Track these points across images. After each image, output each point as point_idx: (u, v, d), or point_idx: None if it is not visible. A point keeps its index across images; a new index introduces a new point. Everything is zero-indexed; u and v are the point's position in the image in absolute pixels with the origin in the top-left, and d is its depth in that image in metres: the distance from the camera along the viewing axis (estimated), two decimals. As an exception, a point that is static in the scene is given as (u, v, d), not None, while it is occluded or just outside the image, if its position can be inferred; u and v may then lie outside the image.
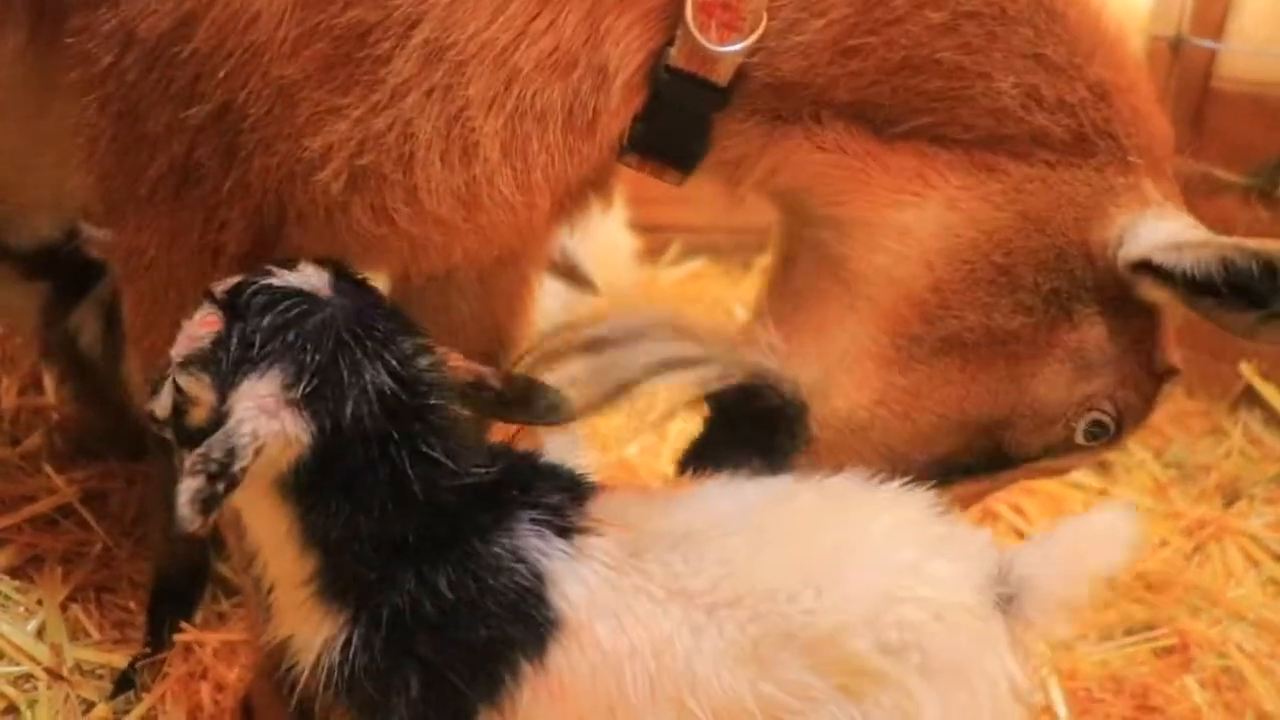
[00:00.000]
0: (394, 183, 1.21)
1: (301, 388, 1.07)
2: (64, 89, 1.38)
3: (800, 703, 1.12)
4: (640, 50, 1.21)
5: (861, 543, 1.18)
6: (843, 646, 1.11)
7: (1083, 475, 2.54)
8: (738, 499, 1.23)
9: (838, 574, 1.14)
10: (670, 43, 1.20)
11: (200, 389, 1.10)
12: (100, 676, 1.77)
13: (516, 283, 1.60)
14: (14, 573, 1.89)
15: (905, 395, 1.32)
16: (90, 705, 1.70)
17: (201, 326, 1.11)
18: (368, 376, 1.09)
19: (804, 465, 1.34)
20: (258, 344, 1.08)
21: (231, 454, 1.03)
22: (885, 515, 1.19)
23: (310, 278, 1.13)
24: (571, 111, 1.20)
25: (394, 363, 1.11)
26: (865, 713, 1.11)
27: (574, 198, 1.38)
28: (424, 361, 1.14)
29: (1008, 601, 1.15)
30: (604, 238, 2.32)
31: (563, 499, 1.20)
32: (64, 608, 1.84)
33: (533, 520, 1.16)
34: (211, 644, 1.75)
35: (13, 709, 1.69)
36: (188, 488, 1.03)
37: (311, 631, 1.15)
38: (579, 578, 1.16)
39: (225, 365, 1.08)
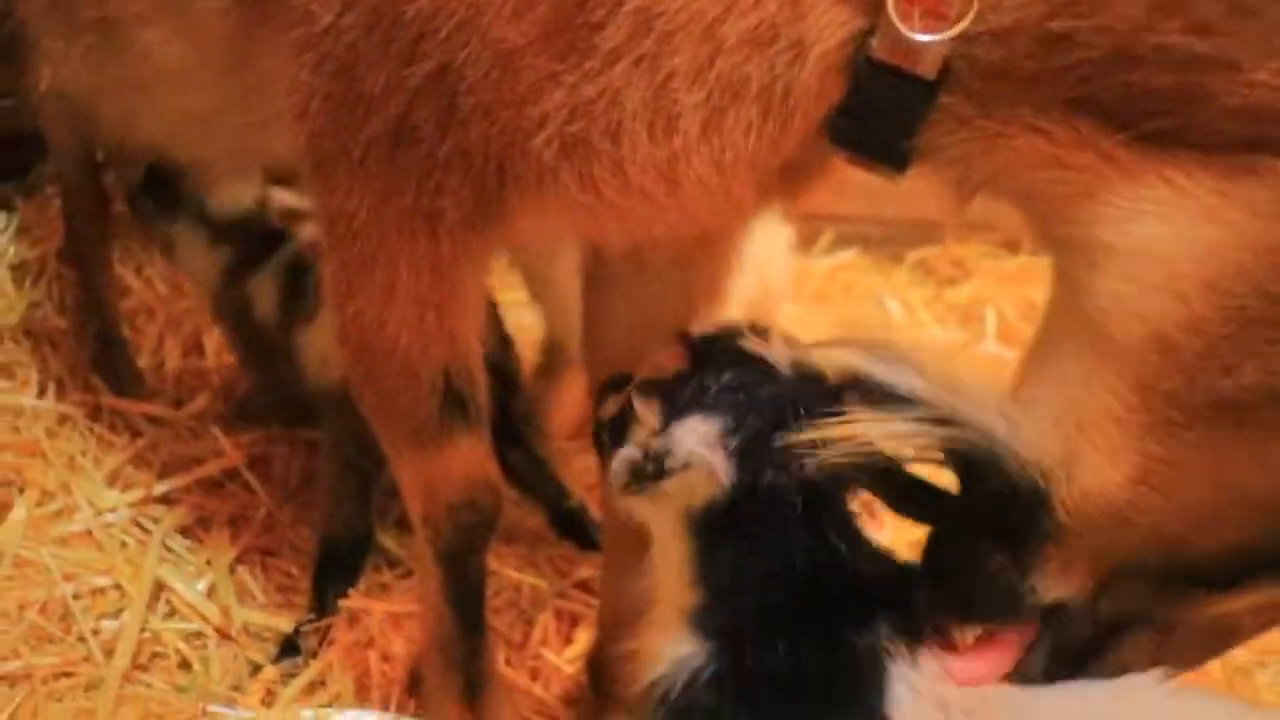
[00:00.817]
0: (601, 152, 1.19)
1: (737, 441, 1.15)
2: (270, 47, 1.38)
3: None
4: (840, 29, 1.14)
5: None
6: None
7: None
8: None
9: None
10: (872, 31, 1.10)
11: (648, 412, 1.21)
12: (265, 639, 1.79)
13: (714, 267, 1.55)
14: (183, 532, 1.92)
15: (1168, 469, 1.06)
16: (257, 667, 1.72)
17: (669, 360, 1.23)
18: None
19: (1056, 566, 1.13)
20: (713, 391, 1.18)
21: (669, 453, 1.16)
22: None
23: (775, 352, 1.20)
24: (769, 91, 1.15)
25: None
26: None
27: (776, 187, 1.32)
28: None
29: None
30: (758, 225, 2.27)
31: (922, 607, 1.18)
32: (231, 569, 1.87)
33: (891, 623, 1.16)
34: (378, 613, 1.75)
35: (186, 665, 1.72)
36: (627, 454, 1.18)
37: (673, 651, 1.20)
38: (910, 685, 1.13)
39: (679, 399, 1.19)
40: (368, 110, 1.25)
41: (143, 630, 1.72)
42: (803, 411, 1.15)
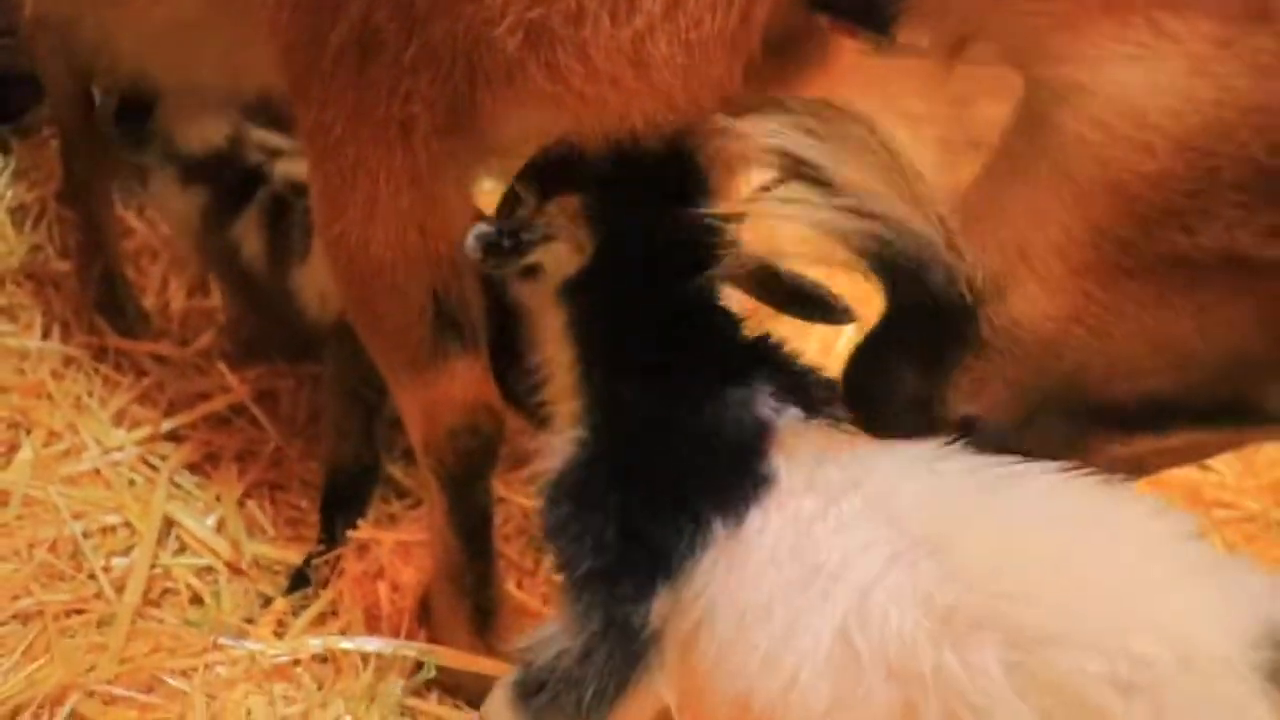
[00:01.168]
0: (564, 38, 1.15)
1: (600, 210, 1.23)
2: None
3: (978, 696, 0.95)
4: None
5: (1112, 553, 0.99)
6: (1056, 660, 0.93)
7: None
8: (998, 475, 1.07)
9: (1073, 573, 0.97)
10: None
11: (526, 194, 1.28)
12: (277, 572, 1.78)
13: None
14: (191, 468, 1.91)
15: (1106, 313, 1.03)
16: (268, 600, 1.72)
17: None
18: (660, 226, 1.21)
19: (971, 382, 1.10)
20: (584, 169, 1.24)
21: (530, 227, 1.23)
22: (1148, 528, 1.00)
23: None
24: None
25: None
26: None
27: (763, 68, 1.26)
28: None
29: (1276, 677, 0.89)
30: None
31: (816, 385, 1.21)
32: (240, 504, 1.86)
33: (775, 389, 1.19)
34: (387, 543, 1.74)
35: (197, 599, 1.72)
36: (480, 230, 1.21)
37: (560, 438, 1.26)
38: (804, 449, 1.13)
39: (551, 179, 1.26)
40: (334, 16, 1.22)
41: (153, 566, 1.72)
42: (679, 187, 1.22)
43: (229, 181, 1.97)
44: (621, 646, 1.17)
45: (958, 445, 1.10)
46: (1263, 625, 0.89)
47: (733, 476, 1.15)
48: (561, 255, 1.23)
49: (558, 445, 1.25)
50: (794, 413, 1.19)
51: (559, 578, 1.23)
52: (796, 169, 1.09)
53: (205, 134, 1.97)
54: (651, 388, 1.21)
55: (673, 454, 1.18)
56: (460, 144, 1.28)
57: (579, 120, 1.23)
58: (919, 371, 1.12)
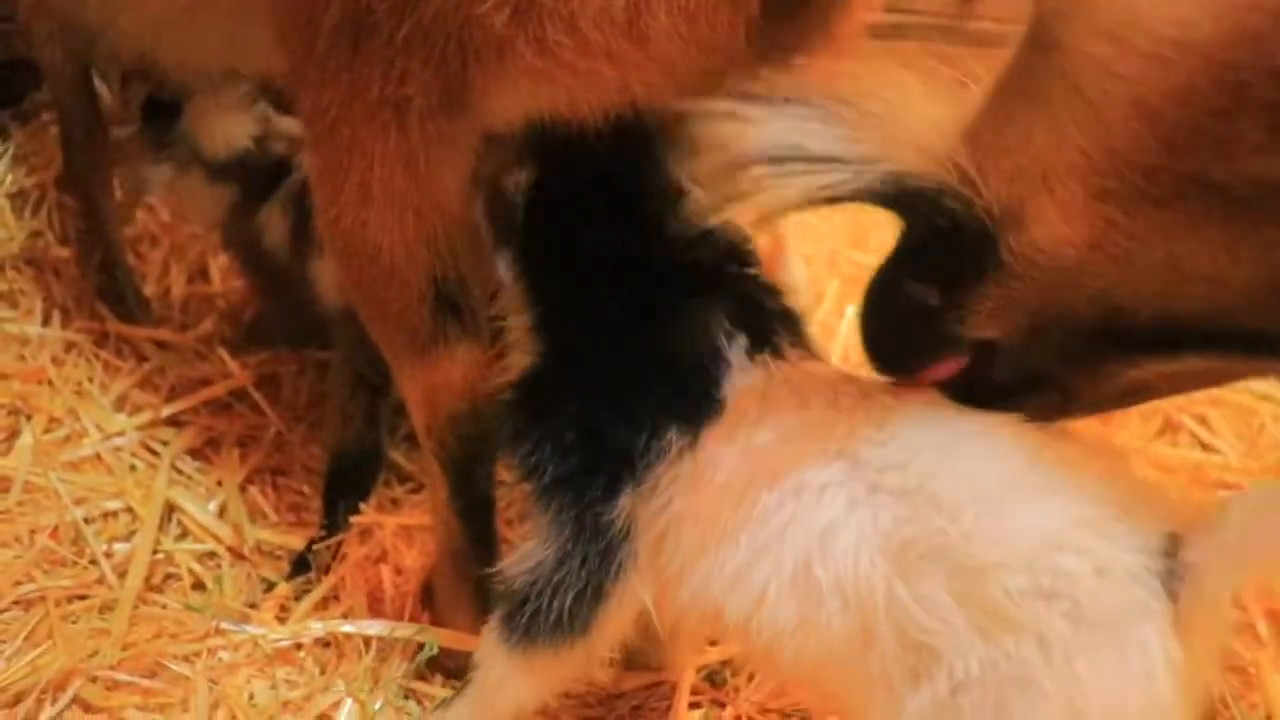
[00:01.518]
0: (552, 11, 1.14)
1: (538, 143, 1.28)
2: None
3: (930, 621, 1.06)
4: None
5: (1037, 484, 1.09)
6: (991, 582, 1.04)
7: (1277, 386, 2.34)
8: (952, 416, 1.15)
9: (1006, 507, 1.07)
10: None
11: None
12: (279, 557, 1.78)
13: None
14: (193, 454, 1.91)
15: (1130, 241, 0.98)
16: (271, 585, 1.71)
17: None
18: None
19: (990, 306, 1.07)
20: None
21: None
22: (1070, 463, 1.09)
23: None
24: None
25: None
26: (994, 660, 1.03)
27: (773, 30, 1.23)
28: None
29: (1172, 581, 1.03)
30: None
31: (777, 316, 1.25)
32: (242, 489, 1.85)
33: (731, 315, 1.22)
34: (390, 527, 1.74)
35: (200, 585, 1.71)
36: None
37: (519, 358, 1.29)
38: (756, 380, 1.18)
39: None
40: (324, 7, 1.21)
41: (155, 552, 1.72)
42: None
43: (258, 175, 1.96)
44: (594, 547, 1.21)
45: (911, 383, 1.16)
46: (1156, 542, 1.03)
47: (683, 395, 1.19)
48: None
49: (516, 360, 1.29)
50: (745, 341, 1.21)
51: (528, 490, 1.26)
52: (794, 154, 1.07)
53: (231, 137, 1.96)
54: (599, 300, 1.24)
55: (625, 366, 1.22)
56: (455, 125, 1.27)
57: (575, 96, 1.22)
58: (937, 294, 1.09)
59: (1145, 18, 0.91)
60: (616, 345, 1.23)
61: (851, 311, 2.16)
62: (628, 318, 1.23)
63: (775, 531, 1.13)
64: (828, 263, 2.46)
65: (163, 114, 1.99)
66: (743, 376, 1.21)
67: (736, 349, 1.22)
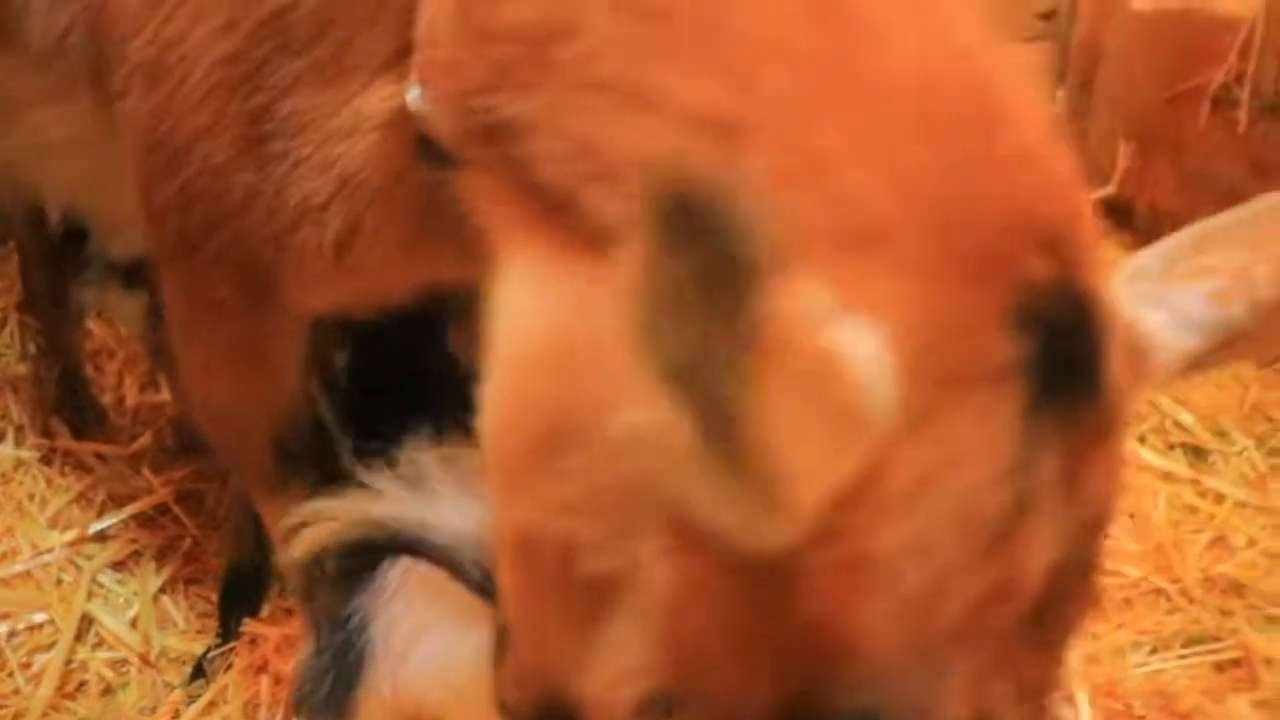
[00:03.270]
0: (303, 250, 1.28)
1: None
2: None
3: None
4: None
5: None
6: None
7: (1174, 463, 2.45)
8: None
9: None
10: None
11: None
12: (184, 663, 1.96)
13: None
14: (115, 566, 2.11)
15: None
16: (173, 688, 1.91)
17: None
18: None
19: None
20: None
21: None
22: None
23: None
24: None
25: None
26: None
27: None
28: None
29: None
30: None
31: None
32: (155, 599, 2.06)
33: None
34: (273, 637, 1.92)
35: (109, 690, 1.92)
36: None
37: None
38: None
39: None
40: (161, 223, 1.40)
41: (69, 661, 1.93)
42: None
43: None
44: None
45: None
46: None
47: None
48: None
49: None
50: None
51: None
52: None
53: (133, 242, 2.18)
54: None
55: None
56: (272, 319, 1.45)
57: (368, 298, 1.42)
58: None
59: None
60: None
61: None
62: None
63: None
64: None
65: (77, 238, 2.23)
66: None
67: None
